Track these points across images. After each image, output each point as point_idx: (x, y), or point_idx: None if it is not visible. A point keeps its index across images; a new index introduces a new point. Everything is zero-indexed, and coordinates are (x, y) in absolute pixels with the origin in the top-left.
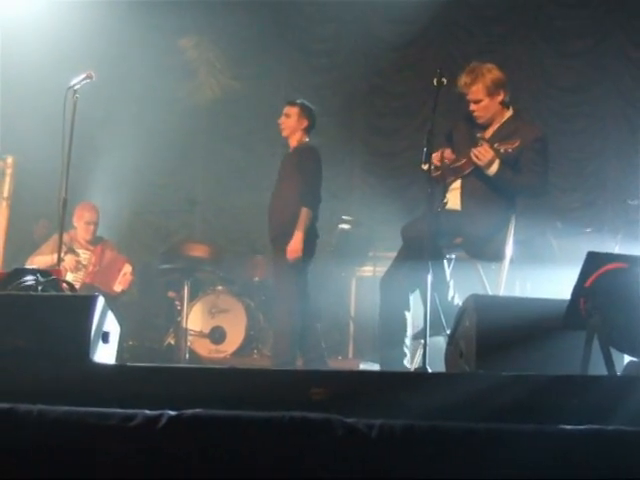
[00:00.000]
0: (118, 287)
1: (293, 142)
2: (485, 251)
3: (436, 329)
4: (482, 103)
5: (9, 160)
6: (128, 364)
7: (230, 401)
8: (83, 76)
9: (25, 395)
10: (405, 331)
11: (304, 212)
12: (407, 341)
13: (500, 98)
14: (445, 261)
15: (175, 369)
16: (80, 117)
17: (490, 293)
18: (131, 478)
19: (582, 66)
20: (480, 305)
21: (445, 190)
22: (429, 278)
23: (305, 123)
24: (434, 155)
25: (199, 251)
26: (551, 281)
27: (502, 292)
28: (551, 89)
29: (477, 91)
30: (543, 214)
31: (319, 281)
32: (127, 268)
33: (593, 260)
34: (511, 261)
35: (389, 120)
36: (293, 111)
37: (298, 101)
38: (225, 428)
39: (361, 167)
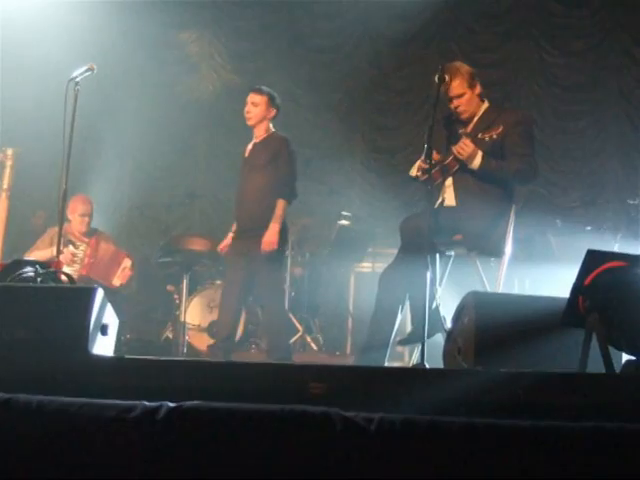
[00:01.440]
0: (117, 281)
1: (260, 131)
2: (486, 246)
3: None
4: (465, 96)
5: (9, 152)
6: (126, 356)
7: (228, 395)
8: (84, 68)
9: (23, 386)
10: (392, 333)
11: (281, 204)
12: (390, 344)
13: (478, 90)
14: (437, 259)
15: (173, 362)
16: (81, 109)
17: (489, 290)
18: (131, 469)
19: (583, 65)
20: (479, 302)
21: (439, 190)
22: (428, 275)
23: (273, 112)
24: (420, 162)
25: (198, 245)
26: (550, 279)
27: (501, 289)
28: (552, 87)
29: (459, 85)
30: (543, 212)
31: (318, 276)
32: (127, 262)
33: (592, 258)
34: (510, 258)
35: (390, 116)
36: (261, 99)
37: (265, 89)
38: (224, 420)
39: (361, 163)
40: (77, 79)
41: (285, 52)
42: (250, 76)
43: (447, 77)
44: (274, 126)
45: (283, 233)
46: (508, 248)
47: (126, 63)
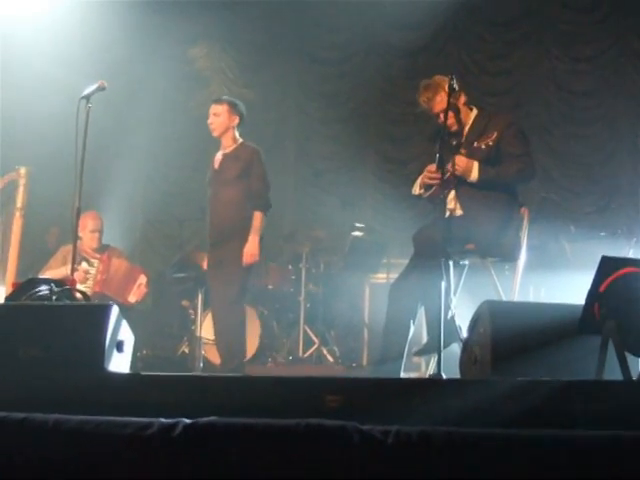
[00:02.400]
0: (132, 298)
1: (228, 141)
2: (498, 251)
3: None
4: (450, 111)
5: (22, 171)
6: (142, 373)
7: (245, 409)
8: (95, 86)
9: (40, 404)
10: (406, 344)
11: (258, 216)
12: (405, 355)
13: (462, 100)
14: (452, 269)
15: (189, 378)
16: (92, 127)
17: (504, 299)
18: None
19: (593, 70)
20: (494, 311)
21: (444, 203)
22: (443, 284)
23: (236, 120)
24: (422, 178)
25: None
26: (565, 286)
27: (516, 298)
28: (563, 93)
29: (442, 100)
30: (556, 219)
31: (333, 288)
32: (142, 279)
33: (607, 265)
34: (525, 265)
35: (401, 127)
36: (222, 109)
37: (224, 98)
38: (241, 436)
39: (374, 174)
40: (88, 97)
41: (295, 65)
42: (261, 89)
43: (429, 94)
44: (241, 135)
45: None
46: (522, 255)
47: (137, 80)
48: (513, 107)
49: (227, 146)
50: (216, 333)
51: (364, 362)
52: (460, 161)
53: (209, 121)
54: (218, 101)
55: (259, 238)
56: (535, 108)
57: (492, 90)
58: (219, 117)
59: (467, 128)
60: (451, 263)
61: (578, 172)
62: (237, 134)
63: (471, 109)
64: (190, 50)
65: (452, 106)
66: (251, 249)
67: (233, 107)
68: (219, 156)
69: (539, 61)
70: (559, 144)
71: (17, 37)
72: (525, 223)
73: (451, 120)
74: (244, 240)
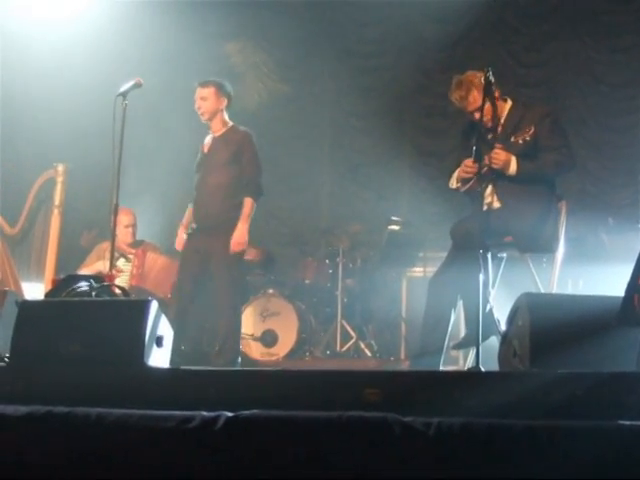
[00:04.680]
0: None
1: (217, 125)
2: (537, 245)
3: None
4: (485, 106)
5: (60, 168)
6: (182, 367)
7: (284, 403)
8: (132, 83)
9: (81, 399)
10: (445, 338)
11: (249, 203)
12: (444, 349)
13: (497, 94)
14: (490, 261)
15: (229, 372)
16: (129, 124)
17: (542, 291)
18: (190, 478)
19: (630, 61)
20: (533, 303)
21: (482, 196)
22: (481, 277)
23: (224, 102)
24: (459, 172)
25: (249, 254)
26: (604, 278)
27: (554, 290)
28: (600, 85)
29: (474, 99)
30: (594, 211)
31: (370, 282)
32: None
33: None
34: (563, 258)
35: (437, 120)
36: (209, 92)
37: (210, 80)
38: (283, 428)
39: (410, 167)
40: (125, 94)
41: (330, 59)
42: (296, 84)
43: (462, 92)
44: (230, 118)
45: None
46: (561, 248)
47: (172, 77)
48: (549, 99)
49: (216, 130)
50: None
51: (402, 356)
52: (499, 155)
53: (197, 106)
54: (204, 84)
55: (248, 226)
56: (571, 100)
57: (527, 82)
58: (207, 101)
59: (502, 121)
60: (489, 256)
61: (615, 164)
62: (226, 117)
63: (505, 100)
64: (225, 46)
65: (488, 101)
66: (239, 237)
67: (220, 89)
68: (208, 140)
69: (575, 52)
70: (595, 136)
71: (55, 38)
72: (563, 216)
73: (487, 116)
74: (232, 229)
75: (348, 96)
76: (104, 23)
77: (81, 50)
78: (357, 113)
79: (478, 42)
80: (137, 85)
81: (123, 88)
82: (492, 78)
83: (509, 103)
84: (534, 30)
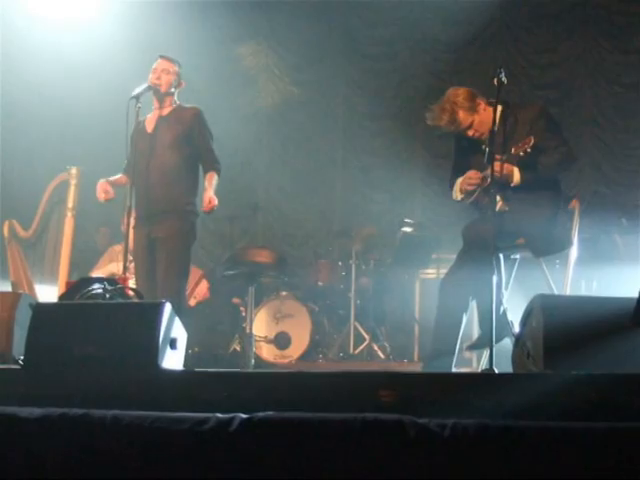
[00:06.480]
0: (192, 301)
1: (166, 103)
2: (550, 247)
3: (487, 338)
4: (475, 122)
5: (73, 171)
6: (196, 369)
7: (298, 405)
8: (145, 86)
9: (96, 401)
10: (458, 339)
11: (213, 176)
12: (457, 350)
13: (483, 106)
14: (503, 263)
15: (243, 374)
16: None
17: (555, 293)
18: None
19: None
20: (547, 305)
21: (493, 200)
22: (494, 279)
23: (182, 85)
24: (461, 184)
25: (263, 257)
26: (617, 279)
27: (568, 291)
28: (613, 86)
29: (463, 118)
30: (607, 212)
31: (383, 284)
32: (204, 284)
33: None
34: (576, 259)
35: None
36: (174, 70)
37: (175, 59)
38: (297, 430)
39: (423, 169)
40: (138, 97)
41: (342, 61)
42: (308, 86)
43: (449, 116)
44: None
45: (192, 228)
46: (574, 249)
47: (185, 79)
48: (562, 100)
49: (164, 108)
50: None
51: (415, 358)
52: (503, 169)
53: (155, 76)
54: (170, 59)
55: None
56: (584, 101)
57: (540, 83)
58: (169, 75)
59: (496, 128)
60: (502, 257)
61: (628, 165)
62: (176, 97)
63: (490, 104)
64: (238, 48)
65: (454, 130)
66: (209, 195)
67: (179, 72)
68: (151, 118)
69: (588, 53)
70: (609, 137)
71: (69, 41)
72: (576, 216)
73: (480, 130)
74: (181, 216)
75: (360, 98)
76: (117, 26)
77: (95, 53)
78: (369, 115)
79: (490, 43)
80: (150, 88)
81: (136, 91)
82: (504, 79)
83: (499, 108)
84: (547, 31)
